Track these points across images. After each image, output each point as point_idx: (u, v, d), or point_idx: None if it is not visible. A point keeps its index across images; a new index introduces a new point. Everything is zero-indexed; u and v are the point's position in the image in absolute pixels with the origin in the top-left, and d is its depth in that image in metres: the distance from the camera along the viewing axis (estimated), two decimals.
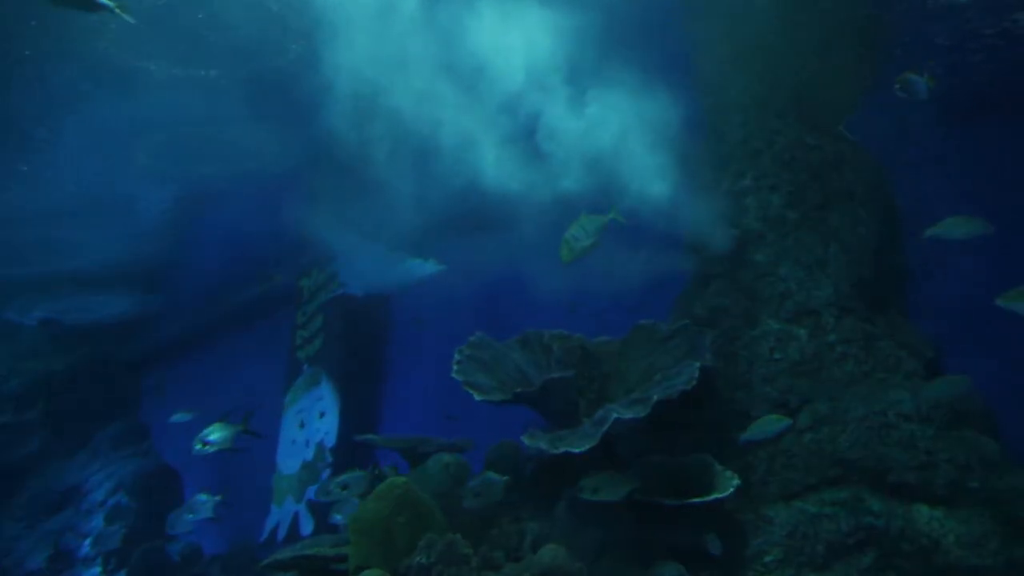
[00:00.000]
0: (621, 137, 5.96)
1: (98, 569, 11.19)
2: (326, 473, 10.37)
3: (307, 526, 10.39)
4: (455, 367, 5.40)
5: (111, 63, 6.99)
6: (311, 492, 10.46)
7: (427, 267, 5.65)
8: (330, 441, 10.62)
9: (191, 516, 7.32)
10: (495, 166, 6.26)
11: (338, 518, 6.24)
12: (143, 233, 11.38)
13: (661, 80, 5.83)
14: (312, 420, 11.13)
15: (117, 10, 4.67)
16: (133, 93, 7.60)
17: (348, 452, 10.27)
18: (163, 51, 7.04)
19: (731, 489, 4.64)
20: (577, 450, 4.53)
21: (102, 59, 6.90)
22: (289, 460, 11.29)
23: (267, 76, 7.34)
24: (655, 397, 4.74)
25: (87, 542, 11.40)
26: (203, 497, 7.27)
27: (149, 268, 12.50)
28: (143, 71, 7.16)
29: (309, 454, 10.89)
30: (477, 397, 5.10)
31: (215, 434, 6.12)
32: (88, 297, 13.14)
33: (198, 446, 6.11)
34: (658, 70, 5.83)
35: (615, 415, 4.66)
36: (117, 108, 7.94)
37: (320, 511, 10.16)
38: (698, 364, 5.02)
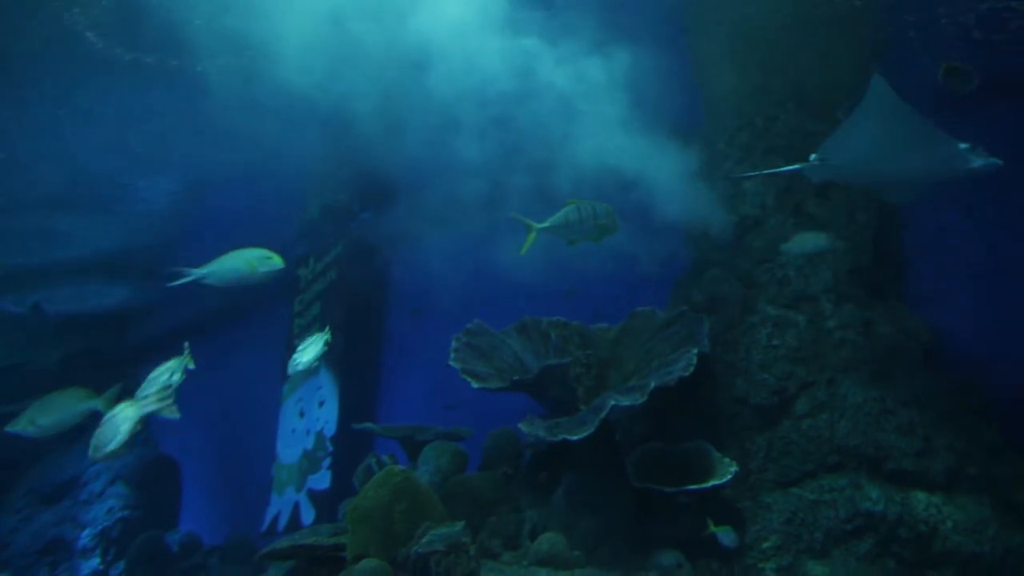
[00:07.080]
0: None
1: (97, 559, 11.20)
2: (327, 462, 10.35)
3: (308, 516, 10.38)
4: (452, 355, 5.38)
5: (97, 52, 6.90)
6: (312, 481, 10.45)
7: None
8: (330, 430, 10.58)
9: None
10: None
11: None
12: (141, 222, 11.32)
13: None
14: (312, 409, 11.09)
15: None
16: (123, 82, 7.52)
17: (348, 441, 10.24)
18: (152, 42, 6.96)
19: (729, 476, 4.64)
20: (575, 437, 4.51)
21: (87, 47, 6.81)
22: (289, 449, 11.26)
23: None
24: (653, 384, 4.73)
25: (85, 533, 11.40)
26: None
27: (148, 257, 12.43)
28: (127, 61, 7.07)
29: (309, 443, 10.86)
30: (475, 385, 5.08)
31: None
32: (85, 286, 13.10)
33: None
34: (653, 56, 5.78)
35: (613, 402, 4.64)
36: (109, 96, 7.86)
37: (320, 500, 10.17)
38: (696, 351, 5.00)
